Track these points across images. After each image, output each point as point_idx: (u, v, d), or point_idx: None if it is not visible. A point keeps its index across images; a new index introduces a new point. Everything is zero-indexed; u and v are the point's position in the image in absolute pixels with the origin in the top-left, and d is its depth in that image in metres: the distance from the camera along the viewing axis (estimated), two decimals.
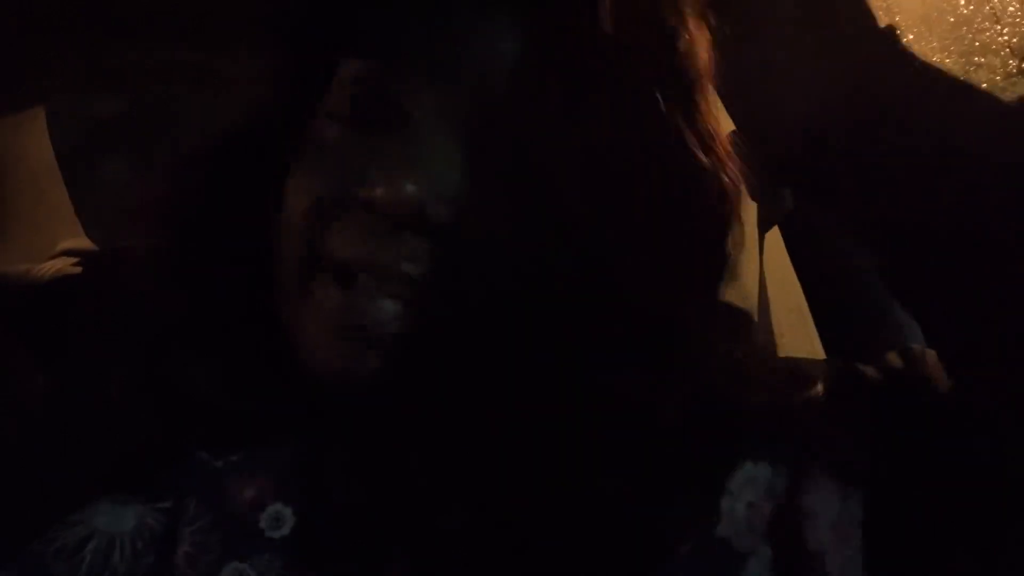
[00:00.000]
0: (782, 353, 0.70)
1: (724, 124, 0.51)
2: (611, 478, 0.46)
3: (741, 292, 0.58)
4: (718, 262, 0.51)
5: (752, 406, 0.48)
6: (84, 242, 0.70)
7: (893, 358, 0.50)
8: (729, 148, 0.49)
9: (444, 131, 0.45)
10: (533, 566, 0.44)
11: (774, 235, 0.80)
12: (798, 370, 0.52)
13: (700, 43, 0.48)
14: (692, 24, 0.48)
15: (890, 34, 0.47)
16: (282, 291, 0.48)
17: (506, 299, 0.45)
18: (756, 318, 0.61)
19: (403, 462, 0.47)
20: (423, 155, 0.44)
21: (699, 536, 0.45)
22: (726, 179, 0.50)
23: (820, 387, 0.49)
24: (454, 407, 0.46)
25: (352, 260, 0.45)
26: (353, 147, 0.47)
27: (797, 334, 0.76)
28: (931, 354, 0.48)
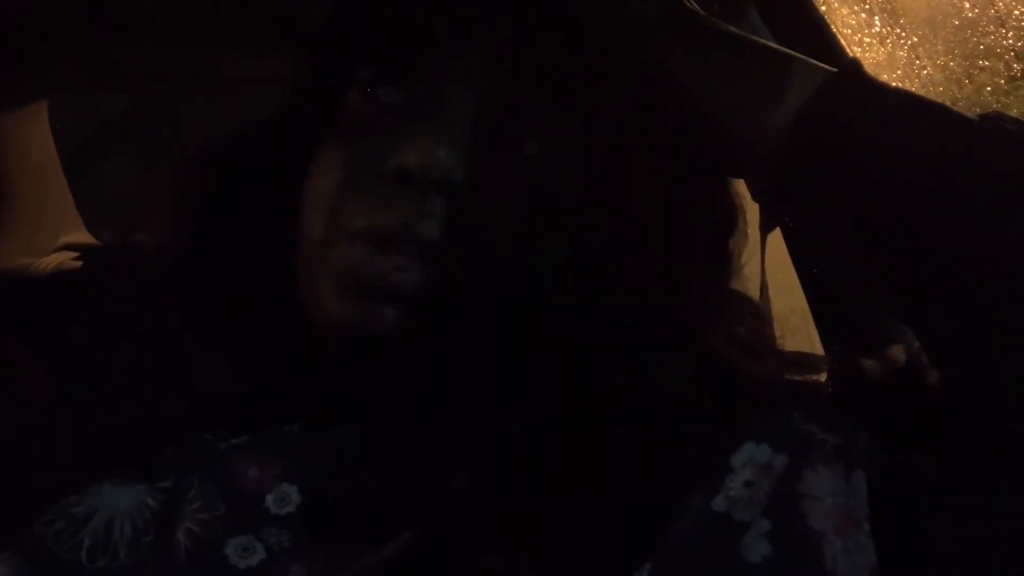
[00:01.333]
0: None
1: None
2: (616, 455, 0.46)
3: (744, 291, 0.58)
4: (722, 259, 0.52)
5: (756, 382, 0.49)
6: (85, 237, 0.71)
7: (895, 352, 0.50)
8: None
9: (475, 108, 0.47)
10: (536, 537, 0.45)
11: (776, 237, 0.80)
12: (801, 355, 0.53)
13: None
14: None
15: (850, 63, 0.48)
16: (300, 260, 0.49)
17: (516, 272, 0.46)
18: (760, 305, 0.61)
19: (409, 440, 0.48)
20: (454, 127, 0.46)
21: (700, 508, 0.46)
22: (730, 177, 0.51)
23: (823, 375, 0.50)
24: (463, 373, 0.46)
25: (378, 226, 0.46)
26: (385, 122, 0.48)
27: (798, 335, 0.76)
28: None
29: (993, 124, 0.46)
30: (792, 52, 0.49)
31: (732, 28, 0.50)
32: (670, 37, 0.49)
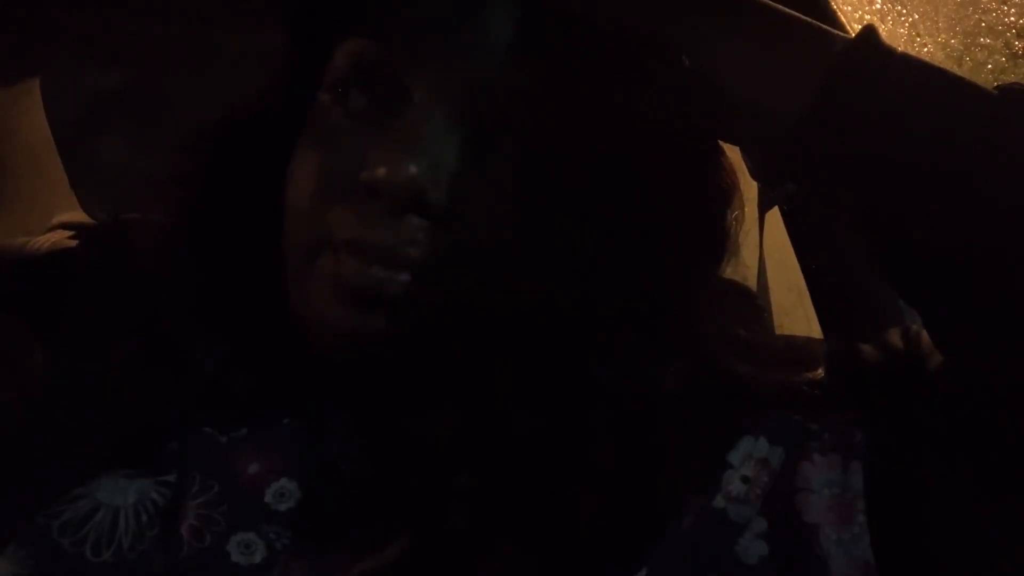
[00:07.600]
0: (780, 332, 0.70)
1: None
2: (614, 455, 0.46)
3: (741, 271, 0.58)
4: (719, 240, 0.51)
5: (753, 382, 0.48)
6: (80, 216, 0.70)
7: (893, 337, 0.50)
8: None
9: (444, 112, 0.45)
10: (534, 536, 0.45)
11: (774, 216, 0.80)
12: (797, 347, 0.52)
13: None
14: None
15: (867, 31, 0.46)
16: (289, 265, 0.48)
17: (506, 277, 0.45)
18: (756, 296, 0.61)
19: (406, 433, 0.48)
20: (424, 136, 0.44)
21: (699, 508, 0.45)
22: (727, 156, 0.50)
23: (819, 364, 0.49)
24: (458, 374, 0.46)
25: (356, 242, 0.45)
26: (355, 129, 0.47)
27: (795, 314, 0.77)
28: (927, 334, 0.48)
29: (1015, 97, 0.44)
30: (809, 19, 0.47)
31: None
32: (686, 7, 0.46)
